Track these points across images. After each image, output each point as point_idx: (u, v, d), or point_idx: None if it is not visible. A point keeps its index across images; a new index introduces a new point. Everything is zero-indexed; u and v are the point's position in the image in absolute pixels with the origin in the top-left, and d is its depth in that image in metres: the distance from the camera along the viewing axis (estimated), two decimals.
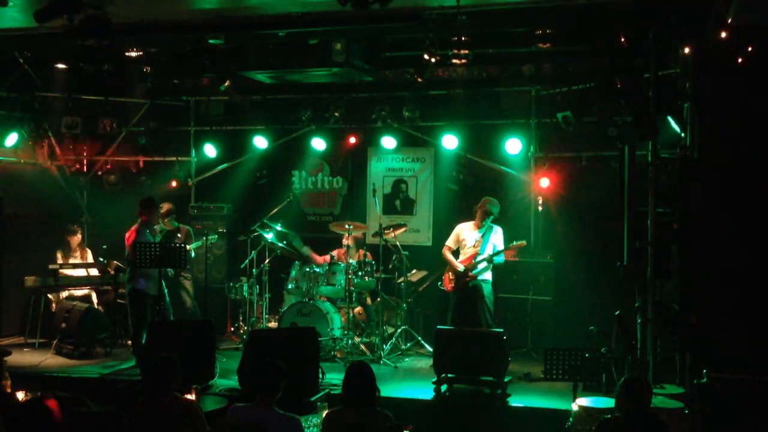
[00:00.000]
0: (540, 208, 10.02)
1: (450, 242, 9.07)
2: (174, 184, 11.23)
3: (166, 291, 8.84)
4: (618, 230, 7.14)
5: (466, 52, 8.62)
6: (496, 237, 8.83)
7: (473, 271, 8.73)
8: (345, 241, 9.80)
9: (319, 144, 10.85)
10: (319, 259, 9.92)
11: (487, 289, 8.78)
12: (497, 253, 8.75)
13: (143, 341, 8.36)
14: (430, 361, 8.07)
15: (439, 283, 9.15)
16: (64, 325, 9.31)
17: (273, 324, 9.63)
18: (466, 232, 8.94)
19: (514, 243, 8.77)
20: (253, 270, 9.65)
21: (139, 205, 8.89)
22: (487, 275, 8.85)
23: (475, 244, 8.82)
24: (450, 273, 8.95)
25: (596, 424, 5.09)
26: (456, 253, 9.02)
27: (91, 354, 9.23)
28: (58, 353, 9.25)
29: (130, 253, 8.47)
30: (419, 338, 9.53)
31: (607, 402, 5.99)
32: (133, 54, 9.05)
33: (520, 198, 10.18)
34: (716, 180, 7.01)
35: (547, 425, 6.70)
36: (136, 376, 8.01)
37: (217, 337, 8.30)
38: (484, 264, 8.74)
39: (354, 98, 10.58)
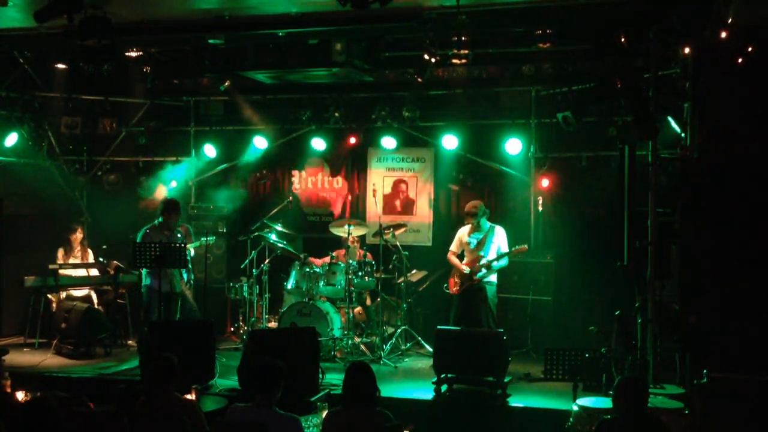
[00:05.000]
0: (540, 208, 10.01)
1: (453, 247, 9.08)
2: (174, 183, 11.25)
3: (180, 289, 8.97)
4: (618, 230, 7.14)
5: (466, 52, 8.64)
6: (499, 238, 8.81)
7: (478, 275, 8.71)
8: (351, 242, 9.77)
9: (319, 144, 10.85)
10: (318, 262, 9.89)
11: (491, 291, 8.78)
12: (501, 256, 8.73)
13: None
14: (430, 361, 8.07)
15: (445, 285, 9.14)
16: (64, 325, 9.30)
17: (273, 324, 9.62)
18: (467, 236, 8.94)
19: (516, 247, 8.75)
20: (253, 270, 9.65)
21: (162, 204, 9.05)
22: (492, 277, 8.83)
23: (477, 245, 8.81)
24: (455, 276, 8.95)
25: (596, 424, 5.09)
26: (460, 257, 9.01)
27: (91, 354, 9.22)
28: (58, 353, 9.25)
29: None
30: (419, 338, 9.52)
31: (607, 402, 5.98)
32: (133, 54, 9.05)
33: (520, 198, 10.18)
34: (716, 180, 7.01)
35: (547, 425, 6.69)
36: (136, 376, 8.01)
37: (217, 337, 8.30)
38: (486, 270, 8.71)
39: (354, 98, 10.60)
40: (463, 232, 9.04)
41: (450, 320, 8.88)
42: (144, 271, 8.83)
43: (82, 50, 7.55)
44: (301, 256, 9.84)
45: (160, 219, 8.90)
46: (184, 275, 9.08)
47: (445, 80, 10.22)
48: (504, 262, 8.81)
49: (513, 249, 8.74)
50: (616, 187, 7.13)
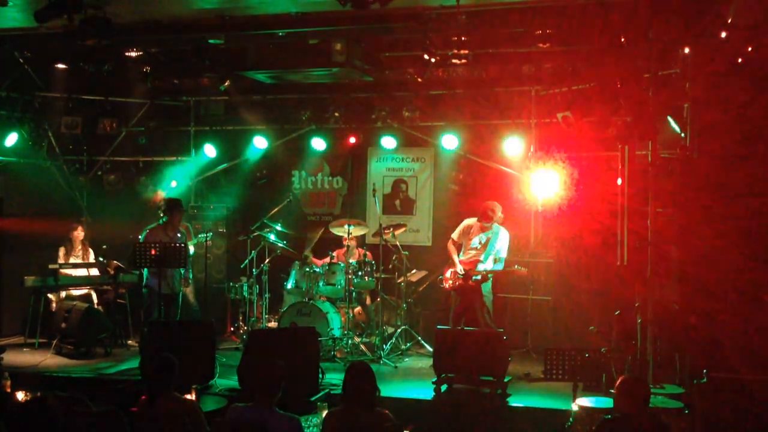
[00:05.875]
0: (540, 208, 10.00)
1: (455, 235, 9.00)
2: (174, 183, 11.26)
3: (181, 290, 9.02)
4: (618, 230, 7.15)
5: (466, 52, 8.63)
6: (502, 242, 8.77)
7: (473, 279, 8.68)
8: (346, 242, 9.78)
9: (319, 144, 10.85)
10: (318, 262, 9.89)
11: (485, 288, 8.76)
12: (497, 271, 8.71)
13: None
14: (430, 361, 8.07)
15: (440, 277, 9.11)
16: (64, 325, 9.30)
17: (273, 324, 9.62)
18: (473, 230, 8.88)
19: (516, 267, 8.73)
20: (253, 270, 9.65)
21: (165, 204, 9.06)
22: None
23: (479, 246, 8.78)
24: (450, 272, 8.89)
25: (596, 424, 5.10)
26: (460, 248, 8.97)
27: (91, 354, 9.22)
28: (58, 353, 9.24)
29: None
30: (419, 338, 9.52)
31: (607, 402, 5.99)
32: (133, 54, 9.06)
33: (520, 198, 10.17)
34: (716, 180, 7.01)
35: (547, 425, 6.69)
36: (136, 376, 8.01)
37: (217, 337, 8.30)
38: (481, 275, 8.69)
39: (354, 98, 10.59)
40: (470, 225, 8.91)
41: (450, 315, 8.86)
42: (146, 271, 8.85)
43: (82, 50, 7.56)
44: (304, 254, 9.85)
45: (165, 219, 8.91)
46: (183, 273, 9.09)
47: (445, 80, 10.22)
48: (500, 266, 8.80)
49: (512, 268, 8.72)
50: (616, 187, 7.14)
